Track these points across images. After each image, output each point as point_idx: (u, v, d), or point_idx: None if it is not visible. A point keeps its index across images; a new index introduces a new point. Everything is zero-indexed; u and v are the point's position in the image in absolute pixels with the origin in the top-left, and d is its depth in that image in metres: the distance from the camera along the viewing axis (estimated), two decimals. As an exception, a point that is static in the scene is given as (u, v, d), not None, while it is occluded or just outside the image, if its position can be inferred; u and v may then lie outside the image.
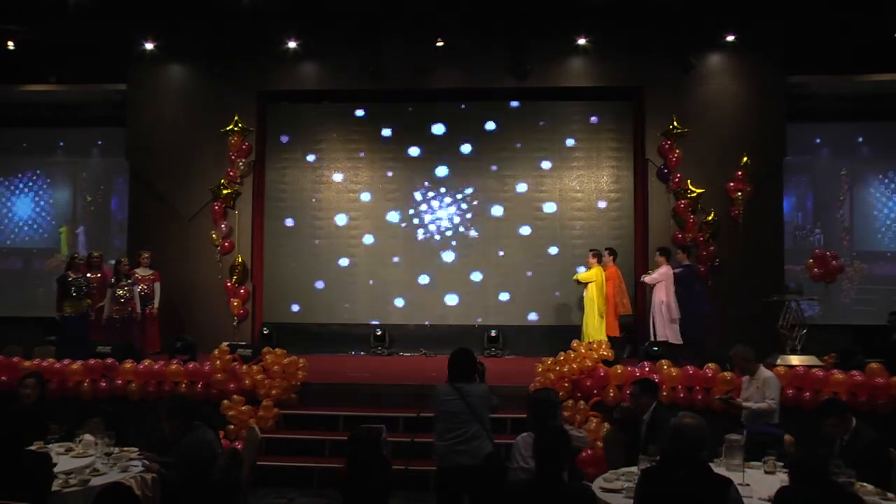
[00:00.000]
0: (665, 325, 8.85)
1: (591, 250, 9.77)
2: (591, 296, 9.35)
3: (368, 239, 11.08)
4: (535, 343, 10.19)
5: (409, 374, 8.52)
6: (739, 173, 10.05)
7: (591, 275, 9.43)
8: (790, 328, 8.37)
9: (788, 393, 6.78)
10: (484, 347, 10.23)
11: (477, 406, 4.47)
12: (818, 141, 11.33)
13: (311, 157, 11.21)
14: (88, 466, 4.35)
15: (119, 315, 9.01)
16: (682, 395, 7.01)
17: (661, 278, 9.08)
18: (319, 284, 11.02)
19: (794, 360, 7.97)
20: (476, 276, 10.91)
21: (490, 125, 11.08)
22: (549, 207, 10.96)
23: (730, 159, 10.07)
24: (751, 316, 9.28)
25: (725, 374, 6.94)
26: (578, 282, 9.59)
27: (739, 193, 10.04)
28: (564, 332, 9.57)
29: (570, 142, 11.00)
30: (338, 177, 11.18)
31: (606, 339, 9.00)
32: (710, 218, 10.09)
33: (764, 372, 5.79)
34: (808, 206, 11.31)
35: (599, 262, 9.50)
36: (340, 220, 11.12)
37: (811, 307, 9.52)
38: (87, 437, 4.76)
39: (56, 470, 3.95)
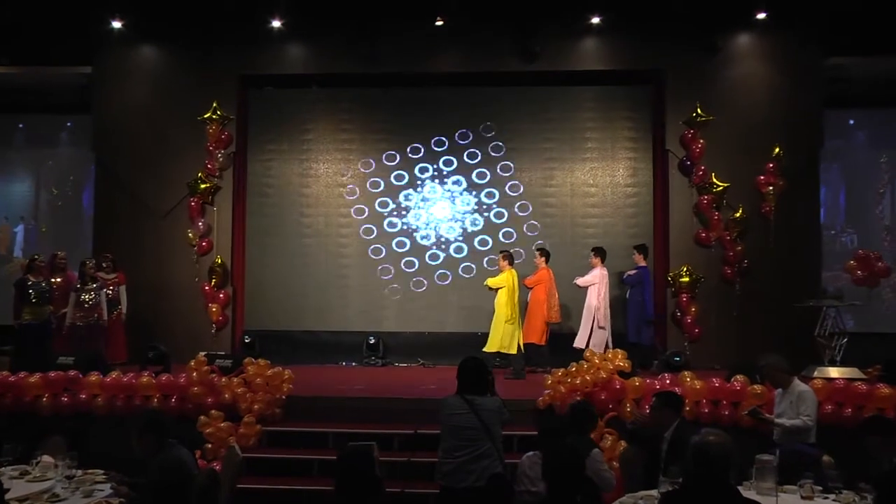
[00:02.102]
0: (588, 331, 9.02)
1: (501, 252, 9.85)
2: (501, 301, 9.34)
3: (361, 238, 11.05)
4: (543, 352, 10.09)
5: (406, 387, 8.52)
6: (771, 165, 10.01)
7: (502, 279, 9.41)
8: (829, 337, 8.32)
9: (826, 409, 6.71)
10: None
11: (489, 421, 4.46)
12: (852, 123, 11.21)
13: (298, 148, 11.17)
14: (47, 492, 4.29)
15: (83, 322, 8.99)
16: (706, 410, 6.98)
17: (593, 281, 9.22)
18: (307, 288, 10.97)
19: (834, 372, 7.94)
20: (479, 280, 10.80)
21: (494, 113, 11.06)
22: (559, 203, 10.93)
23: (760, 150, 10.03)
24: (784, 323, 9.27)
25: (755, 387, 6.88)
26: (490, 288, 9.52)
27: (771, 188, 10.00)
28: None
29: (582, 131, 10.96)
30: (328, 169, 11.15)
31: (520, 347, 9.16)
32: (737, 215, 10.06)
33: (799, 385, 5.75)
34: (841, 202, 11.21)
35: (511, 264, 9.56)
36: (331, 217, 11.09)
37: (850, 315, 9.45)
38: (46, 458, 4.70)
39: (9, 496, 3.89)
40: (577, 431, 4.70)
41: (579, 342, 9.22)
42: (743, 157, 10.12)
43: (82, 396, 7.41)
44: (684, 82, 10.30)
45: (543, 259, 9.62)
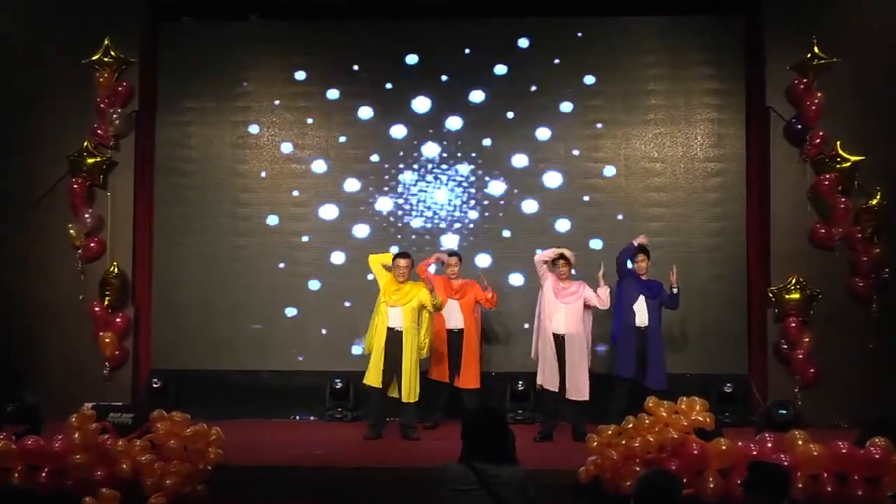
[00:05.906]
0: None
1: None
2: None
3: (321, 235, 11.08)
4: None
5: (387, 452, 8.61)
6: (926, 130, 10.08)
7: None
8: None
9: None
10: (506, 408, 10.19)
11: (508, 500, 4.43)
12: None
13: (230, 107, 11.22)
14: None
15: None
16: (828, 487, 6.93)
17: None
18: (243, 310, 10.99)
19: None
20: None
21: (515, 57, 11.10)
22: (608, 184, 10.96)
23: (907, 109, 10.10)
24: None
25: (904, 455, 6.90)
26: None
27: (926, 163, 10.04)
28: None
29: (642, 82, 11.02)
30: (274, 137, 11.20)
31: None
32: (873, 202, 10.07)
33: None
34: None
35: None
36: (278, 205, 11.12)
37: None
38: None
39: None
40: None
41: (581, 392, 9.20)
42: (882, 119, 10.16)
43: None
44: (793, 8, 10.37)
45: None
